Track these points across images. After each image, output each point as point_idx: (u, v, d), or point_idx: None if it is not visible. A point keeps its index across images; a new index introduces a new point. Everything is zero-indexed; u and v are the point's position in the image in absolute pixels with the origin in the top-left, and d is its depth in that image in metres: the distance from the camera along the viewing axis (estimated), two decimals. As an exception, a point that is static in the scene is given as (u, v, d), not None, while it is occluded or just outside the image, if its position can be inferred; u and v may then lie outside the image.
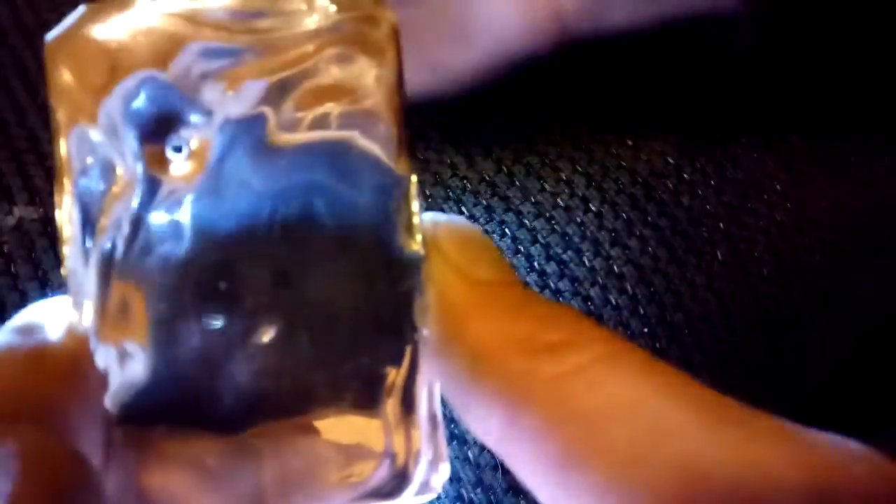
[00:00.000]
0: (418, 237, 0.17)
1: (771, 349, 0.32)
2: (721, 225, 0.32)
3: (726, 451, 0.14)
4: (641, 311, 0.31)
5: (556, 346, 0.15)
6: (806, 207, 0.33)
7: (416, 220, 0.17)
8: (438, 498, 0.29)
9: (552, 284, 0.31)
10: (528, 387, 0.15)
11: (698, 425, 0.14)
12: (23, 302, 0.29)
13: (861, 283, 0.33)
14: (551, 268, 0.31)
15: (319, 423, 0.17)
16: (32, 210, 0.30)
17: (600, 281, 0.31)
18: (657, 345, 0.31)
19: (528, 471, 0.15)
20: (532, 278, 0.31)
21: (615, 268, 0.31)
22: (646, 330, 0.31)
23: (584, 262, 0.31)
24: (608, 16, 0.28)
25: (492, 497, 0.29)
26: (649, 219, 0.28)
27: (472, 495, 0.29)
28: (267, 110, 0.17)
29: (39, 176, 0.30)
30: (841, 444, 0.14)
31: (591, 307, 0.31)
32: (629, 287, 0.31)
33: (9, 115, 0.31)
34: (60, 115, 0.16)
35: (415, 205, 0.17)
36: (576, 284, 0.31)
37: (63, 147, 0.16)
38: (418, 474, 0.17)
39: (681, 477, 0.14)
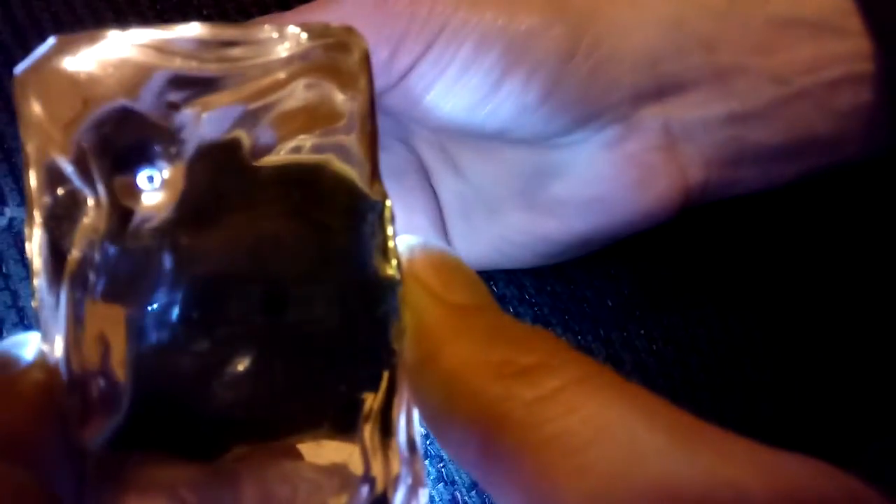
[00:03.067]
0: (394, 261, 0.17)
1: (768, 351, 0.31)
2: (720, 227, 0.31)
3: (699, 471, 0.14)
4: (637, 314, 0.31)
5: (531, 370, 0.15)
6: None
7: (391, 244, 0.17)
8: (433, 501, 0.29)
9: (549, 287, 0.30)
10: (504, 411, 0.15)
11: (672, 447, 0.14)
12: (14, 302, 0.29)
13: (862, 282, 0.32)
14: (548, 269, 0.31)
15: (299, 449, 0.17)
16: (24, 210, 0.29)
17: (596, 283, 0.31)
18: (654, 347, 0.31)
19: (506, 495, 0.15)
20: (528, 280, 0.30)
21: (612, 270, 0.31)
22: (642, 332, 0.31)
23: (580, 265, 0.30)
24: (739, 184, 0.27)
25: (486, 500, 0.29)
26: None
27: (466, 498, 0.29)
28: (239, 138, 0.17)
29: (31, 176, 0.29)
30: (810, 464, 0.14)
31: (587, 309, 0.30)
32: (626, 289, 0.31)
33: (0, 115, 0.30)
34: (30, 147, 0.16)
35: (390, 229, 0.17)
36: (572, 287, 0.31)
37: (33, 179, 0.16)
38: (398, 499, 0.17)
39: (656, 496, 0.14)
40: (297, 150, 0.17)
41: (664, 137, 0.25)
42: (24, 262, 0.29)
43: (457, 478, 0.29)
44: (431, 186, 0.28)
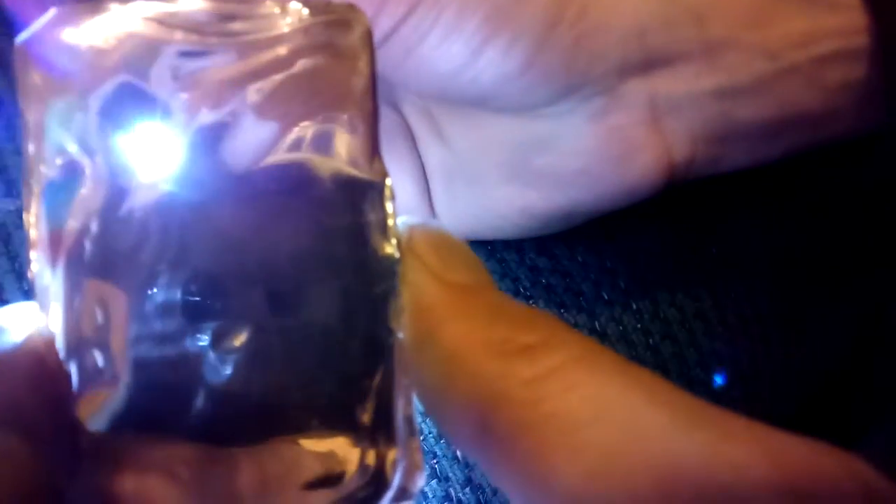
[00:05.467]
0: (393, 240, 0.17)
1: (765, 345, 0.31)
2: (716, 217, 0.31)
3: (701, 450, 0.14)
4: (634, 307, 0.30)
5: (531, 349, 0.15)
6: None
7: (391, 222, 0.17)
8: (426, 497, 0.28)
9: (543, 280, 0.30)
10: (502, 389, 0.15)
11: (673, 425, 0.14)
12: None
13: (860, 279, 0.32)
14: (543, 262, 0.30)
15: (297, 430, 0.17)
16: (10, 202, 0.29)
17: (592, 276, 0.30)
18: (650, 341, 0.30)
19: (504, 473, 0.15)
20: (523, 272, 0.30)
21: (607, 263, 0.30)
22: (639, 326, 0.30)
23: (575, 258, 0.30)
24: (725, 161, 0.26)
25: (480, 496, 0.28)
26: (642, 212, 0.27)
27: (460, 495, 0.28)
28: (239, 116, 0.17)
29: (16, 166, 0.29)
30: (813, 445, 0.14)
31: (583, 302, 0.30)
32: (622, 282, 0.30)
33: (-14, 104, 0.30)
34: (30, 116, 0.16)
35: (389, 207, 0.17)
36: (567, 280, 0.30)
37: (32, 148, 0.16)
38: (395, 481, 0.17)
39: (656, 476, 0.14)
40: (298, 126, 0.17)
41: (650, 111, 0.25)
42: (10, 255, 0.29)
43: (450, 474, 0.29)
44: (418, 152, 0.28)
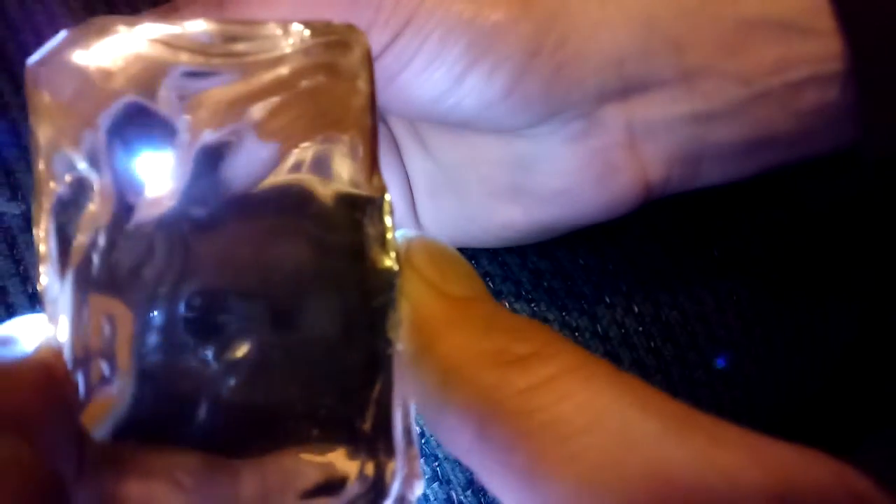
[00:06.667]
0: (392, 253, 0.18)
1: (767, 347, 0.31)
2: (718, 219, 0.31)
3: (693, 457, 0.14)
4: (636, 310, 0.30)
5: (526, 359, 0.16)
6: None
7: (389, 236, 0.18)
8: (428, 500, 0.28)
9: (545, 283, 0.30)
10: (498, 399, 0.16)
11: (665, 433, 0.15)
12: (3, 298, 0.28)
13: (860, 279, 0.32)
14: (545, 265, 0.30)
15: (297, 440, 0.18)
16: (14, 206, 0.29)
17: (594, 279, 0.30)
18: (652, 343, 0.30)
19: (500, 482, 0.16)
20: (525, 275, 0.30)
21: (610, 265, 0.30)
22: (640, 328, 0.30)
23: (577, 261, 0.30)
24: (700, 179, 0.27)
25: (482, 499, 0.29)
26: (644, 215, 0.27)
27: (461, 497, 0.28)
28: (243, 132, 0.17)
29: (21, 171, 0.29)
30: (804, 452, 0.15)
31: (585, 305, 0.30)
32: (624, 285, 0.30)
33: (-10, 108, 0.30)
34: (41, 136, 0.17)
35: (388, 221, 0.18)
36: (569, 282, 0.30)
37: (42, 166, 0.17)
38: (393, 490, 0.18)
39: (649, 483, 0.14)
40: (298, 143, 0.17)
41: (626, 135, 0.26)
42: (14, 258, 0.29)
43: (452, 477, 0.29)
44: (402, 162, 0.29)
